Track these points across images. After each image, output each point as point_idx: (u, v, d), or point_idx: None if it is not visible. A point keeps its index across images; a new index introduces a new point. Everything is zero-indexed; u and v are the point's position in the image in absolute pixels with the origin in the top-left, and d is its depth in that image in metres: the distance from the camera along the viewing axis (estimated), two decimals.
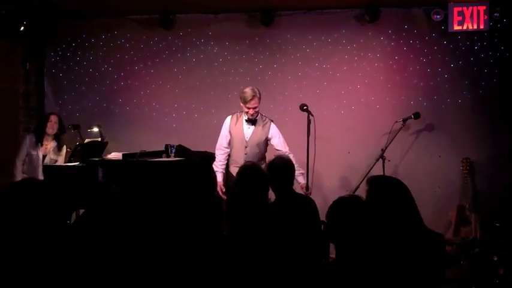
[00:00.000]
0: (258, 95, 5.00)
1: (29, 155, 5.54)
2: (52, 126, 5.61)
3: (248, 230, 3.22)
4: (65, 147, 5.80)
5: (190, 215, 4.57)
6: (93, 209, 3.22)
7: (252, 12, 6.34)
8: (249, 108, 5.01)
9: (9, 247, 2.47)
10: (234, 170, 5.10)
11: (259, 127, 5.15)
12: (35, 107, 6.76)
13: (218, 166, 5.16)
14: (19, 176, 5.41)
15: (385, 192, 2.98)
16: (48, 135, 5.62)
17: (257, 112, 5.08)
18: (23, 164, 5.54)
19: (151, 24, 6.60)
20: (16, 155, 5.54)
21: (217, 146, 5.23)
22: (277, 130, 5.17)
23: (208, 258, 3.06)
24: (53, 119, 5.65)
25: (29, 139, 5.60)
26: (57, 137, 5.69)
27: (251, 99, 4.96)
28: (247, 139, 5.13)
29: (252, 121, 5.12)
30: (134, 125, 6.62)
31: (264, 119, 5.19)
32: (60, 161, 5.70)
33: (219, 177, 5.07)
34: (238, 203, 3.52)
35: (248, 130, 5.14)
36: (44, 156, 5.59)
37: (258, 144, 5.11)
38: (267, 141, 5.17)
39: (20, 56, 6.60)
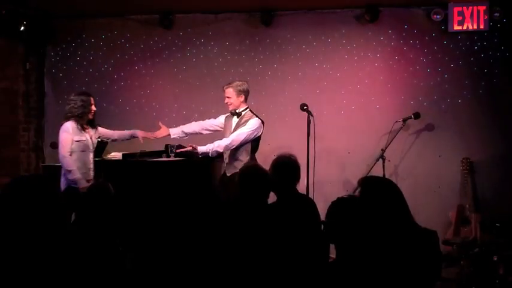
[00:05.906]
0: (231, 85, 5.08)
1: (78, 142, 4.81)
2: (93, 111, 4.97)
3: (249, 230, 3.22)
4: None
5: (190, 215, 4.57)
6: (91, 209, 3.22)
7: (252, 12, 6.34)
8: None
9: (8, 247, 2.47)
10: (226, 169, 5.08)
11: (241, 120, 5.08)
12: (35, 107, 6.76)
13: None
14: (75, 167, 4.73)
15: (375, 192, 2.96)
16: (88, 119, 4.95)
17: (232, 103, 5.07)
18: (70, 154, 4.78)
19: (151, 24, 6.59)
20: (61, 149, 4.75)
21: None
22: (252, 127, 4.98)
23: (209, 257, 3.07)
24: (93, 101, 4.97)
25: (71, 126, 4.81)
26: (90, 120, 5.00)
27: (224, 89, 5.11)
28: (231, 131, 5.09)
29: (236, 114, 5.09)
30: (134, 125, 6.61)
31: (250, 115, 5.08)
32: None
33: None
34: (238, 204, 3.52)
35: (233, 123, 5.13)
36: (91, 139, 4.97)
37: None
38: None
39: (20, 56, 6.60)
